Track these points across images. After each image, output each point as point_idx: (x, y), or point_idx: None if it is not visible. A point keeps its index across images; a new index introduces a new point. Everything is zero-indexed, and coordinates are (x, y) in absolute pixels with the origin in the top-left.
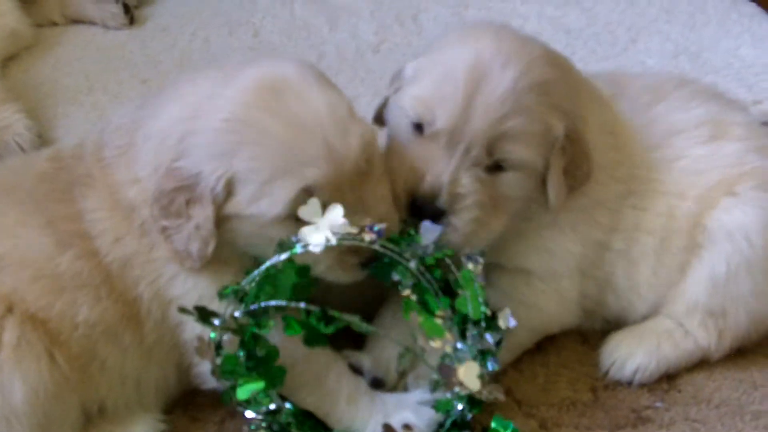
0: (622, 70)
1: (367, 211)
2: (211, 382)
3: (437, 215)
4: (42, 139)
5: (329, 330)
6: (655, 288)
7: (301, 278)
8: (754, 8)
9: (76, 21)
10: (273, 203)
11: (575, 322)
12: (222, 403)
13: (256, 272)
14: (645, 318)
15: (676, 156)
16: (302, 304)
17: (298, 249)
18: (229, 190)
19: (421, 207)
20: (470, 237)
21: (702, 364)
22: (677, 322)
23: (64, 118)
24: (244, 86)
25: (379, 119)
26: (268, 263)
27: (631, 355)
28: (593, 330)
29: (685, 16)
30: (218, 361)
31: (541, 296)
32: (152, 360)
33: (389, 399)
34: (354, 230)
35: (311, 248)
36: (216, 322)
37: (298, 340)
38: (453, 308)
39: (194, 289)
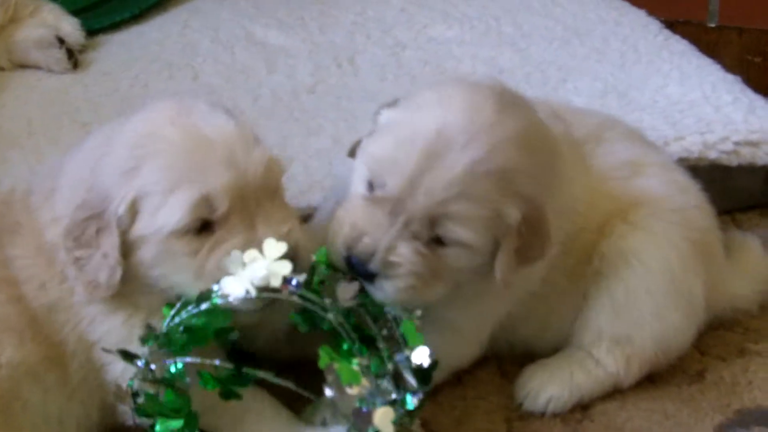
0: (560, 103)
1: (272, 227)
2: (132, 420)
3: (369, 276)
4: None
5: (242, 387)
6: (564, 318)
7: (222, 325)
8: (685, 46)
9: (22, 66)
10: (173, 211)
11: (483, 351)
12: None
13: (177, 319)
14: (554, 346)
15: (601, 197)
16: (217, 362)
17: (218, 300)
18: (134, 212)
19: (354, 265)
20: (402, 302)
21: (615, 394)
22: (587, 351)
23: (3, 162)
24: (152, 109)
25: (353, 154)
26: (185, 313)
27: (543, 386)
28: (511, 362)
29: (617, 55)
30: (139, 400)
31: (462, 345)
32: (75, 399)
33: None
34: (275, 284)
35: (230, 300)
36: (139, 363)
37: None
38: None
39: (110, 332)
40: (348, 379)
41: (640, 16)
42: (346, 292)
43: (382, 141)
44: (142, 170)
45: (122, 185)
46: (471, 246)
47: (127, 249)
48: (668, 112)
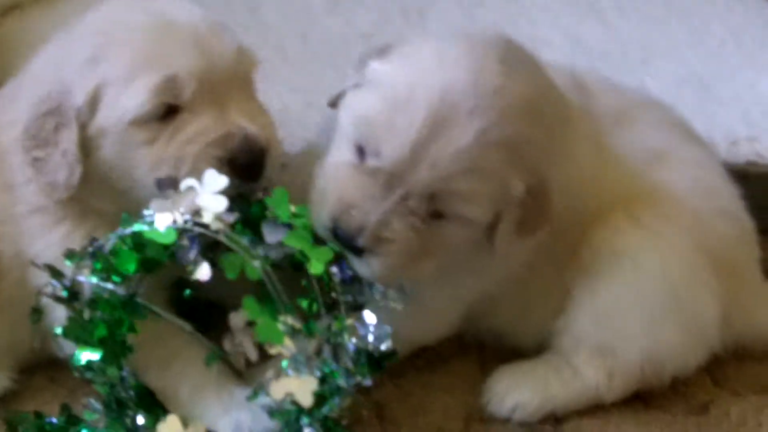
0: (595, 75)
1: (246, 114)
2: (64, 350)
3: (356, 250)
4: None
5: (136, 317)
6: (546, 311)
7: (149, 254)
8: None
9: None
10: (135, 95)
11: (453, 330)
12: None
13: (101, 241)
14: (538, 343)
15: (608, 182)
16: (110, 285)
17: (142, 226)
18: (95, 103)
19: (341, 238)
20: (388, 279)
21: (597, 411)
22: (565, 357)
23: None
24: (114, 1)
25: (335, 105)
26: (114, 236)
27: (512, 389)
28: (495, 357)
29: (715, 42)
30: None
31: (426, 320)
32: (3, 320)
33: (238, 394)
34: (207, 219)
35: (156, 227)
36: (67, 282)
37: (147, 321)
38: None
39: (48, 248)
40: (267, 337)
41: (759, 3)
42: (273, 234)
43: (373, 99)
44: (103, 58)
45: (83, 76)
46: (473, 221)
47: (87, 146)
48: (750, 110)
